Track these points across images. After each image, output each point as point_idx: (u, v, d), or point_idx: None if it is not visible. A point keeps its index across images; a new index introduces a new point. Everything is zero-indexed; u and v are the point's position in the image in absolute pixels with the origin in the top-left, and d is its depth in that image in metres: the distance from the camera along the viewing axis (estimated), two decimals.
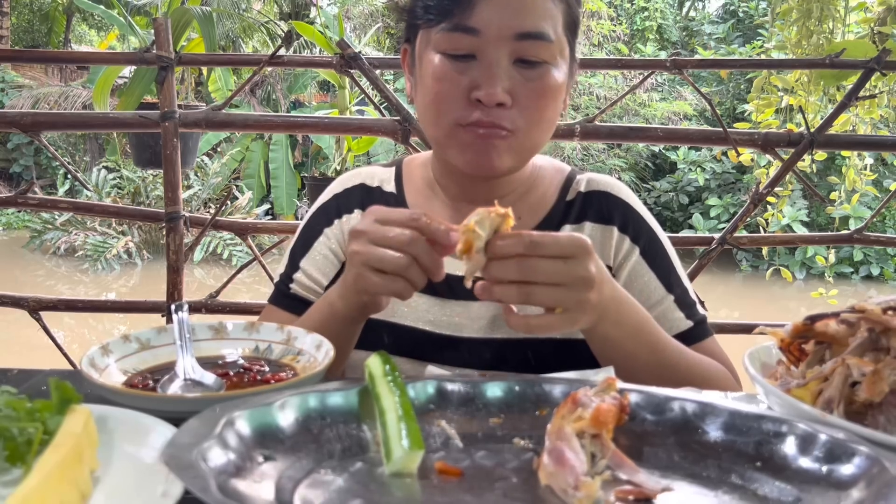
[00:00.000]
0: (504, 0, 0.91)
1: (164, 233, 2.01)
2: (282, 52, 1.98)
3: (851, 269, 9.46)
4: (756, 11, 11.45)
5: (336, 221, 1.13)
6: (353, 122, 2.15)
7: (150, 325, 0.98)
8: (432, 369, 0.84)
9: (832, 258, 3.36)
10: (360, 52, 1.93)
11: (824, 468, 0.59)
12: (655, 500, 0.58)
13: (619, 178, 10.58)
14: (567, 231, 1.07)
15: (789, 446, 0.62)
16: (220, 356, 0.89)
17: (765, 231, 3.10)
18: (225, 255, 8.51)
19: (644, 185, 11.03)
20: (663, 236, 1.11)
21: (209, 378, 0.80)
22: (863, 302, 0.74)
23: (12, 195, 2.04)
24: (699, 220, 10.21)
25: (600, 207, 1.08)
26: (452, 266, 1.06)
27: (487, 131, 0.94)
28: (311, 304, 1.02)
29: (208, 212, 8.60)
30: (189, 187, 9.05)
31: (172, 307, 0.87)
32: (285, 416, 0.64)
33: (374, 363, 0.70)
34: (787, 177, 2.26)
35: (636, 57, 10.81)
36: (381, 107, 2.06)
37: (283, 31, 9.39)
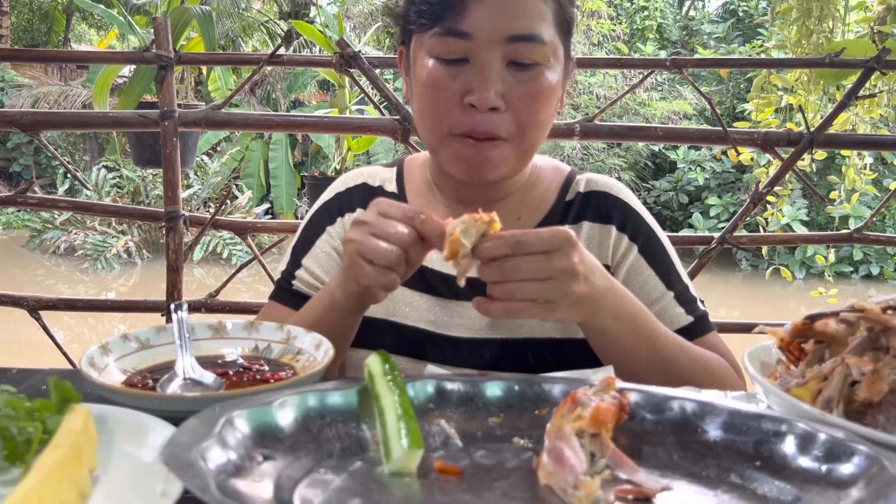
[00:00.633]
0: (495, 3, 0.91)
1: (164, 232, 2.01)
2: (281, 51, 1.98)
3: (851, 269, 9.47)
4: (756, 11, 11.45)
5: (338, 219, 1.13)
6: (352, 122, 2.15)
7: (149, 324, 0.97)
8: (432, 368, 0.84)
9: (832, 257, 3.36)
10: (359, 51, 1.93)
11: (824, 467, 0.59)
12: (655, 500, 0.58)
13: (619, 178, 10.58)
14: None
15: (789, 445, 0.62)
16: (220, 355, 0.89)
17: (764, 230, 3.10)
18: (224, 255, 8.52)
19: (644, 185, 11.03)
20: (662, 235, 1.11)
21: (208, 377, 0.80)
22: (862, 301, 0.74)
23: (12, 194, 2.03)
24: (699, 219, 10.21)
25: (599, 207, 1.08)
26: (452, 267, 1.07)
27: (483, 143, 0.94)
28: None
29: (208, 211, 8.59)
30: (189, 187, 9.05)
31: (172, 306, 0.87)
32: (285, 415, 0.64)
33: (373, 362, 0.70)
34: (787, 176, 2.26)
35: (636, 56, 10.81)
36: (381, 106, 2.06)
37: (282, 31, 9.39)
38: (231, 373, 0.83)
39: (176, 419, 0.62)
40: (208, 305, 2.05)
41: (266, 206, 10.13)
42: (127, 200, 9.09)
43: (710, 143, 2.13)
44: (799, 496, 0.58)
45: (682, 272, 1.09)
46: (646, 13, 12.48)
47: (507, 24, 0.92)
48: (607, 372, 0.82)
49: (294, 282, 1.11)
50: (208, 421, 0.59)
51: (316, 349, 0.86)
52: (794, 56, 2.87)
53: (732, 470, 0.62)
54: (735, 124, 2.65)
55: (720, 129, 1.97)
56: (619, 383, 0.69)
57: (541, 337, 1.02)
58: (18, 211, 10.54)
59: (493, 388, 0.73)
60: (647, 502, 0.58)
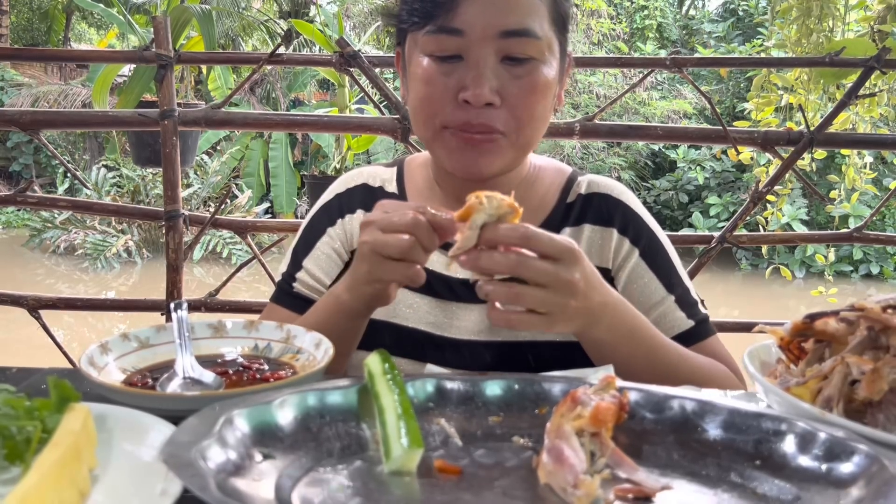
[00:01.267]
0: None
1: (164, 231, 2.01)
2: (281, 50, 1.97)
3: (851, 268, 9.47)
4: (756, 10, 11.45)
5: (339, 221, 1.13)
6: (352, 121, 2.15)
7: (149, 323, 0.98)
8: (431, 368, 0.84)
9: (832, 257, 3.36)
10: (359, 50, 1.93)
11: (824, 466, 0.59)
12: (655, 499, 0.58)
13: (619, 177, 10.58)
14: (566, 234, 1.07)
15: (789, 445, 0.62)
16: (220, 355, 0.89)
17: (764, 230, 3.10)
18: (224, 254, 8.52)
19: (644, 184, 11.03)
20: (664, 237, 1.10)
21: (208, 376, 0.80)
22: (862, 300, 0.74)
23: (12, 193, 2.03)
24: (699, 218, 10.21)
25: (600, 209, 1.08)
26: (452, 269, 1.06)
27: (479, 136, 0.94)
28: (313, 303, 1.02)
29: (208, 210, 8.60)
30: (188, 186, 9.05)
31: (172, 306, 0.87)
32: (284, 414, 0.64)
33: (373, 361, 0.70)
34: (787, 175, 2.26)
35: (636, 55, 10.80)
36: (381, 105, 2.06)
37: (282, 30, 9.39)
38: (231, 372, 0.83)
39: (175, 418, 0.62)
40: (208, 304, 2.05)
41: (266, 205, 10.13)
42: (127, 200, 9.08)
43: (710, 143, 2.12)
44: (799, 495, 0.58)
45: (684, 275, 1.09)
46: (646, 12, 12.48)
47: (500, 19, 0.91)
48: (607, 371, 0.82)
49: (295, 284, 1.11)
50: (208, 420, 0.59)
51: (316, 348, 0.86)
52: (794, 55, 2.87)
53: (732, 469, 0.62)
54: (735, 123, 2.65)
55: (720, 128, 1.97)
56: (619, 382, 0.69)
57: (541, 339, 1.02)
58: (18, 210, 10.54)
59: (493, 388, 0.73)
60: (647, 501, 0.58)
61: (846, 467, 0.58)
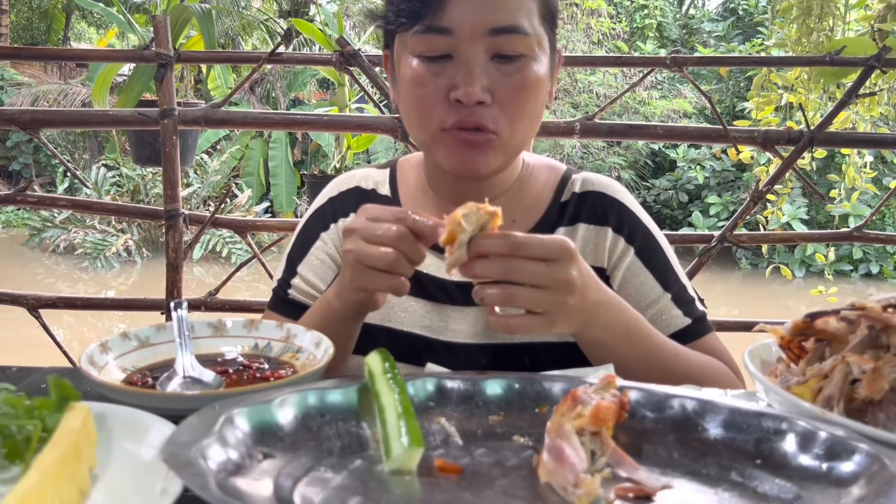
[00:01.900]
0: None
1: (164, 231, 2.01)
2: (281, 49, 1.97)
3: (851, 267, 9.47)
4: (756, 9, 11.45)
5: (332, 226, 1.13)
6: (352, 120, 2.15)
7: (149, 322, 0.97)
8: (431, 367, 0.84)
9: (832, 256, 3.36)
10: (359, 49, 1.93)
11: (824, 465, 0.59)
12: (655, 498, 0.58)
13: (619, 176, 10.56)
14: (561, 233, 1.06)
15: (789, 444, 0.62)
16: (220, 354, 0.89)
17: (764, 229, 3.10)
18: (224, 253, 8.51)
19: (644, 183, 11.03)
20: (659, 235, 1.10)
21: (208, 375, 0.80)
22: (863, 299, 0.74)
23: (11, 193, 2.03)
24: (699, 217, 10.21)
25: (595, 208, 1.07)
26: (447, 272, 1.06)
27: (471, 135, 0.93)
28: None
29: (208, 210, 8.58)
30: (188, 185, 9.04)
31: (172, 305, 0.87)
32: (284, 413, 0.63)
33: (373, 360, 0.70)
34: (787, 174, 2.26)
35: (636, 54, 10.80)
36: (381, 104, 2.06)
37: (282, 29, 9.39)
38: (231, 371, 0.83)
39: (176, 417, 0.62)
40: (208, 304, 2.05)
41: (266, 204, 10.12)
42: (126, 199, 9.07)
43: (710, 142, 2.12)
44: (799, 494, 0.58)
45: (680, 272, 1.08)
46: (646, 11, 12.47)
47: (488, 16, 0.91)
48: (607, 370, 0.82)
49: (290, 291, 1.11)
50: (208, 419, 0.59)
51: (316, 347, 0.86)
52: (794, 54, 2.87)
53: (733, 468, 0.62)
54: (735, 123, 2.64)
55: (720, 127, 1.97)
56: (620, 381, 0.68)
57: (537, 341, 1.02)
58: (18, 209, 10.53)
59: (494, 387, 0.73)
60: (648, 500, 0.58)
61: (847, 466, 0.58)
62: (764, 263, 9.04)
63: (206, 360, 0.84)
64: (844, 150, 3.09)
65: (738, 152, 2.55)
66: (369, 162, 9.47)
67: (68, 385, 0.63)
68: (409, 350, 1.04)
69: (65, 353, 2.11)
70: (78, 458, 0.56)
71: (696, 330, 1.04)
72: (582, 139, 2.06)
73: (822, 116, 2.08)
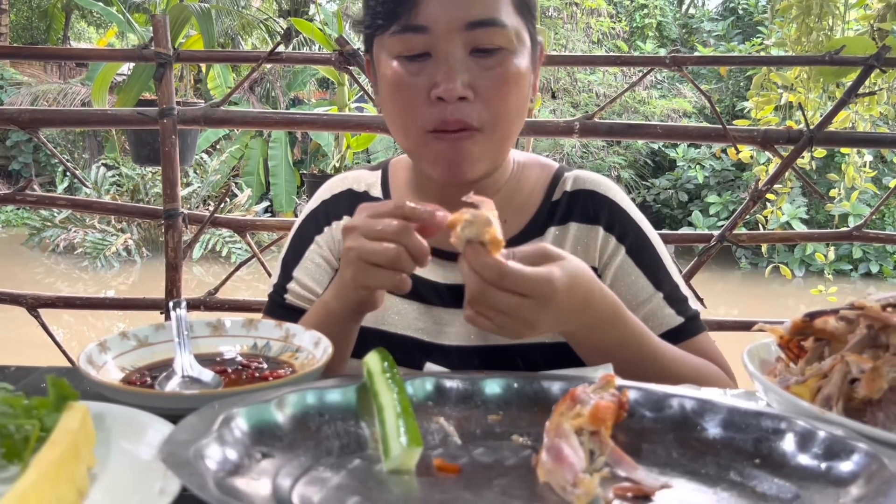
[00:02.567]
0: None
1: (163, 230, 2.01)
2: (281, 48, 1.97)
3: (850, 267, 9.47)
4: (756, 8, 11.44)
5: (326, 229, 1.12)
6: (352, 119, 2.15)
7: (148, 322, 0.97)
8: (430, 367, 0.84)
9: (831, 255, 3.36)
10: (358, 48, 1.93)
11: (823, 465, 0.59)
12: (654, 497, 0.58)
13: (619, 176, 10.52)
14: (552, 233, 1.06)
15: (788, 443, 0.62)
16: (219, 353, 0.89)
17: (764, 228, 3.10)
18: (224, 253, 8.51)
19: (643, 183, 11.02)
20: (652, 233, 1.09)
21: (207, 375, 0.80)
22: (862, 299, 0.74)
23: (11, 192, 2.03)
24: (698, 217, 10.21)
25: (586, 207, 1.07)
26: (440, 275, 1.05)
27: (457, 134, 0.93)
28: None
29: (207, 209, 8.57)
30: (188, 185, 9.04)
31: (171, 304, 0.87)
32: (283, 413, 0.63)
33: (372, 360, 0.70)
34: (787, 174, 2.26)
35: (635, 54, 10.80)
36: None
37: (282, 28, 9.39)
38: (230, 370, 0.83)
39: (174, 417, 0.62)
40: (207, 303, 2.05)
41: (265, 204, 10.12)
42: (126, 198, 9.07)
43: (710, 141, 2.12)
44: (798, 494, 0.58)
45: (673, 270, 1.07)
46: (645, 11, 12.47)
47: (464, 11, 0.90)
48: (606, 370, 0.82)
49: (286, 296, 1.10)
50: (207, 419, 0.59)
51: (315, 347, 0.86)
52: (793, 54, 2.87)
53: (732, 468, 0.62)
54: (735, 122, 2.65)
55: (720, 126, 1.97)
56: (619, 381, 0.68)
57: (532, 343, 1.01)
58: (17, 209, 10.53)
59: (492, 386, 0.73)
60: (647, 500, 0.58)
61: (846, 466, 0.58)
62: (763, 263, 9.05)
63: (204, 360, 0.84)
64: (844, 150, 3.09)
65: (738, 152, 2.55)
66: (369, 161, 9.46)
67: (67, 384, 0.63)
68: (403, 353, 1.03)
69: (64, 352, 2.11)
70: (76, 457, 0.56)
71: (688, 329, 1.03)
72: (581, 138, 2.06)
73: (821, 116, 2.08)
